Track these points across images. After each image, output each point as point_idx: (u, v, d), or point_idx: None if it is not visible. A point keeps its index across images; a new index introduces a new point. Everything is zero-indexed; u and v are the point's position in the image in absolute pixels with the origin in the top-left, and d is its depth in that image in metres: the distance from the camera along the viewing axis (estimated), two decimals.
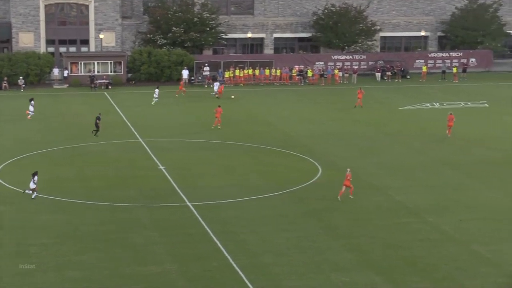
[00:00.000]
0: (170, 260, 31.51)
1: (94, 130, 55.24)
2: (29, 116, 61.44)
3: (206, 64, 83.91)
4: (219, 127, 58.04)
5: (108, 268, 30.61)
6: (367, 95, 72.14)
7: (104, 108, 65.19)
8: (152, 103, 68.60)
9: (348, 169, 40.30)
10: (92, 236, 34.29)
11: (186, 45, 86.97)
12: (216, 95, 73.40)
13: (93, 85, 78.13)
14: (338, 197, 39.98)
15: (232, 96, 72.76)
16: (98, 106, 66.68)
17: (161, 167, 46.62)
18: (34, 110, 61.90)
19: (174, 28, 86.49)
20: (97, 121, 55.52)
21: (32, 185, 39.38)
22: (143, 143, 53.32)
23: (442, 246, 33.36)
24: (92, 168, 46.25)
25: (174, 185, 42.66)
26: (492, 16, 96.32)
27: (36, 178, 39.37)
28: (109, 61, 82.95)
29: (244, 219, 36.84)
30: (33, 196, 39.47)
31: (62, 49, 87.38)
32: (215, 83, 76.37)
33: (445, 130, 56.67)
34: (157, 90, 69.83)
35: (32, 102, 62.29)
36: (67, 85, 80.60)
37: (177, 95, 73.31)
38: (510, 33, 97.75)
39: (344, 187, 39.97)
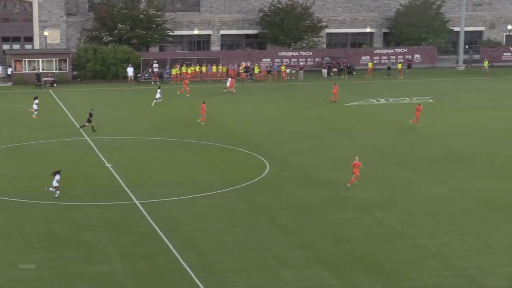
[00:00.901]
0: (119, 259, 31.31)
1: (83, 126, 55.12)
2: (34, 115, 60.32)
3: (155, 61, 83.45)
4: (202, 123, 58.14)
5: (56, 268, 30.27)
6: (314, 92, 72.68)
7: (50, 107, 64.47)
8: (152, 104, 66.87)
9: (356, 158, 41.69)
10: (38, 236, 33.89)
11: (132, 42, 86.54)
12: (225, 90, 73.40)
13: (39, 83, 77.15)
14: (348, 185, 41.28)
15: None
16: (44, 104, 65.87)
17: (108, 165, 46.28)
18: (38, 108, 61.03)
19: (119, 25, 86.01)
20: (90, 117, 55.12)
21: (55, 183, 38.94)
22: (89, 141, 52.87)
23: (389, 241, 33.71)
24: (37, 167, 45.67)
25: (122, 183, 42.37)
26: (435, 13, 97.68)
27: (58, 176, 38.95)
28: (54, 59, 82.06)
29: (192, 217, 36.78)
30: (56, 195, 39.02)
31: (6, 47, 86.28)
32: (228, 79, 76.57)
33: (389, 125, 57.64)
34: (159, 90, 67.91)
35: (37, 100, 61.32)
36: (11, 83, 79.54)
37: (179, 93, 72.63)
38: (453, 29, 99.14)
39: (354, 175, 41.39)
